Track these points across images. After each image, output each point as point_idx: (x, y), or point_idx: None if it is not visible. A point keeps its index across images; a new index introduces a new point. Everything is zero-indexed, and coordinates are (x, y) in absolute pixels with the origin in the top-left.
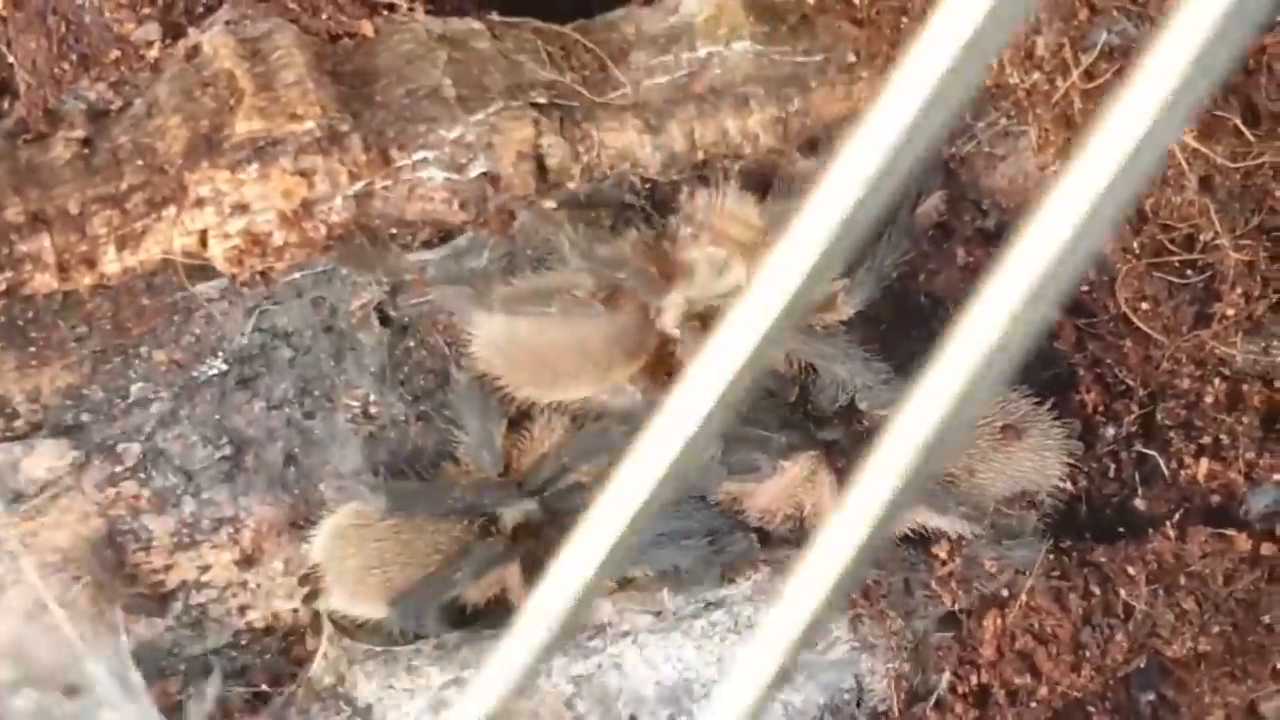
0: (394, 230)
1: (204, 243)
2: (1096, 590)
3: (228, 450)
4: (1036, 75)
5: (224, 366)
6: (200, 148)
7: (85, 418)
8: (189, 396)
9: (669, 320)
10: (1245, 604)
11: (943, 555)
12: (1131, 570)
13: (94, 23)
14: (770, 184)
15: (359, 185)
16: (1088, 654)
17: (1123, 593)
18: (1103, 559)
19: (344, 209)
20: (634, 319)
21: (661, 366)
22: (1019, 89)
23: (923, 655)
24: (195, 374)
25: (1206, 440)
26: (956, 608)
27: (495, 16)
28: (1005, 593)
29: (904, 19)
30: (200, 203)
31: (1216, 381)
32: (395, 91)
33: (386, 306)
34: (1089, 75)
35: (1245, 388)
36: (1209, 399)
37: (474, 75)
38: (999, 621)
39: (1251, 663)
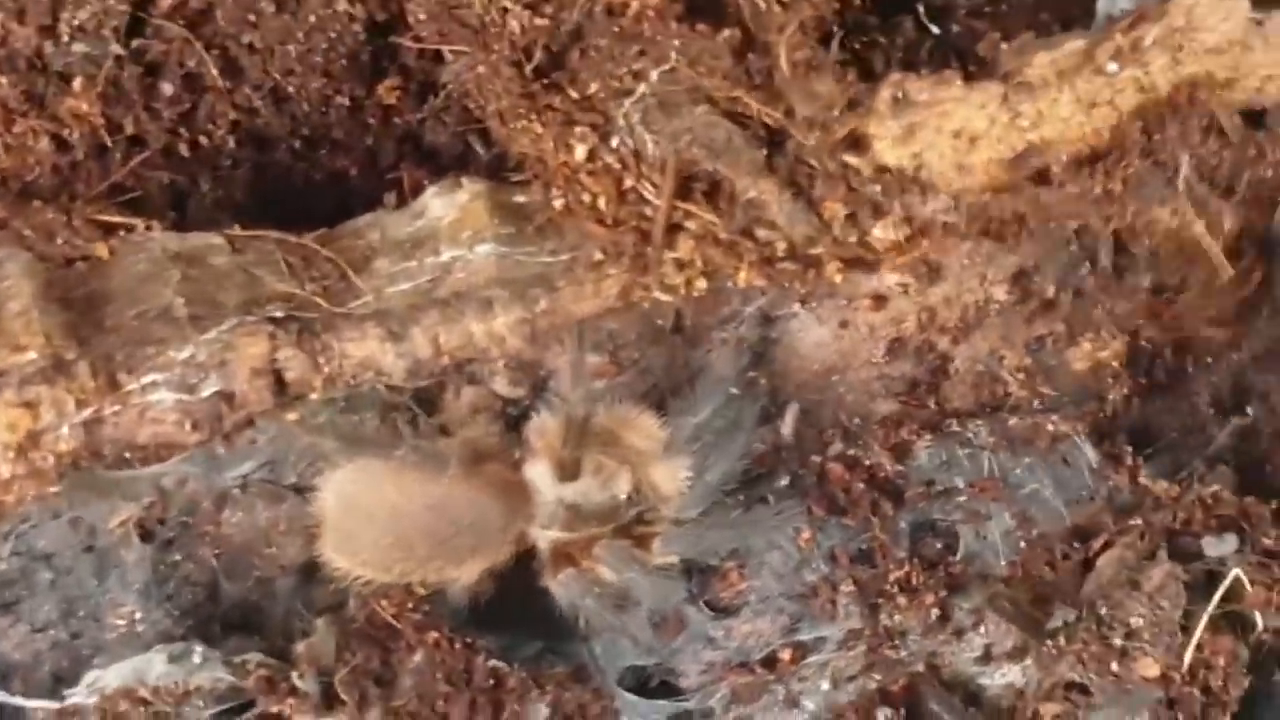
0: (127, 454)
1: None
2: None
3: None
4: None
5: None
6: None
7: None
8: None
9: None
10: None
11: None
12: None
13: None
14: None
15: (87, 412)
16: None
17: None
18: None
19: (72, 437)
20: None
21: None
22: None
23: None
24: None
25: None
26: None
27: (237, 229)
28: None
29: (648, 223)
30: None
31: None
32: (126, 314)
33: (147, 522)
34: None
35: None
36: None
37: (208, 292)
38: None
39: None
